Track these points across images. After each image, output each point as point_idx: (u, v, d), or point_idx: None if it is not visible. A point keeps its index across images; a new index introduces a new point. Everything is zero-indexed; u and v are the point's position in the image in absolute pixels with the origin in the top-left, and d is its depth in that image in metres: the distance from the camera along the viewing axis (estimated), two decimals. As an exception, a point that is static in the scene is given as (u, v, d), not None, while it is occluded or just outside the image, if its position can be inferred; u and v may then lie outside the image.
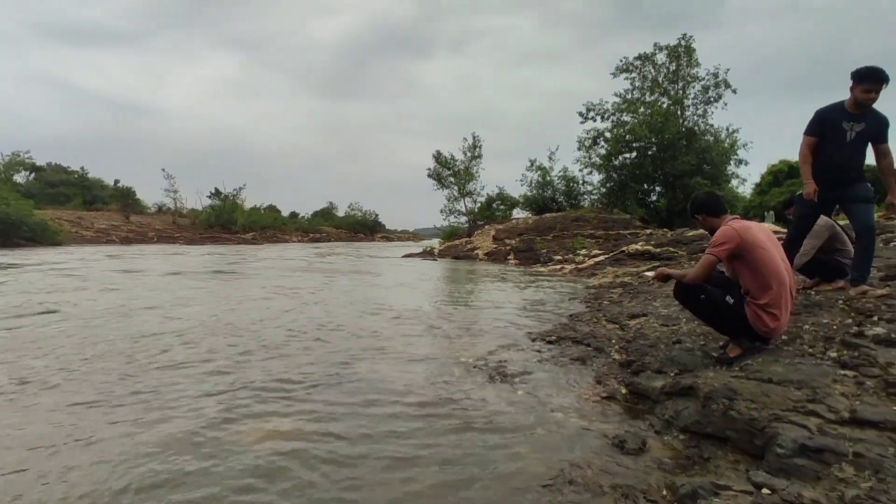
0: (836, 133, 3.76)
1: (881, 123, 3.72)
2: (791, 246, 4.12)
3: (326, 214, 76.76)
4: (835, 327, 3.27)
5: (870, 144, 3.77)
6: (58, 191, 48.69)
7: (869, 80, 3.55)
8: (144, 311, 6.64)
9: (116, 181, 51.83)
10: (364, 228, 72.76)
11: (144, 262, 17.06)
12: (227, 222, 47.83)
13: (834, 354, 2.83)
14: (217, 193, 52.41)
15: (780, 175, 28.96)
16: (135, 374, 3.84)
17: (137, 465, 2.39)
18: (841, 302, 3.79)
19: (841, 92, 3.85)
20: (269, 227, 52.96)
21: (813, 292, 4.41)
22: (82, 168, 53.17)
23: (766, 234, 3.15)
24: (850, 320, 3.35)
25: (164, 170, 52.70)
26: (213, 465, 2.39)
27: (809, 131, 3.90)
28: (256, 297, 8.31)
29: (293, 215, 70.02)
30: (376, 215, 79.70)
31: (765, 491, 1.84)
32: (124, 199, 47.73)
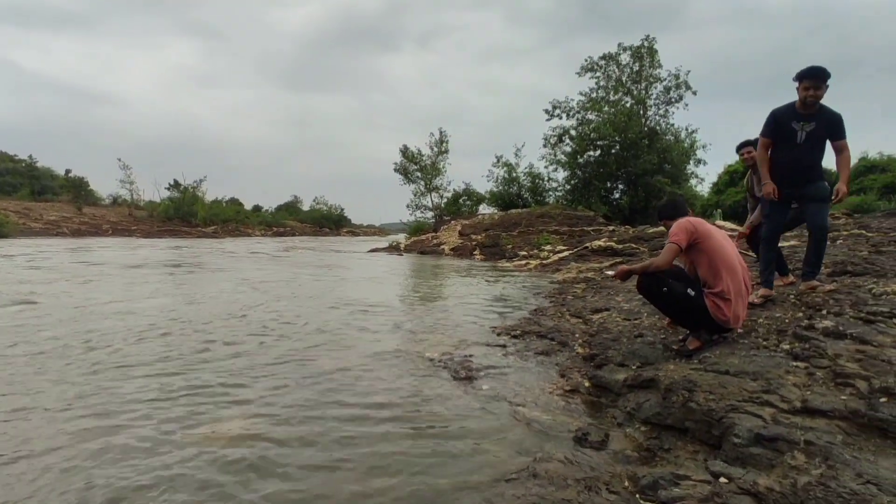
0: (787, 134, 3.81)
1: (832, 121, 3.73)
2: (769, 243, 4.15)
3: (291, 208, 75.43)
4: (787, 321, 3.40)
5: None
6: (3, 180, 46.20)
7: (807, 77, 3.61)
8: (100, 307, 6.35)
9: (68, 171, 49.36)
10: (329, 223, 71.78)
11: (101, 254, 16.35)
12: (186, 215, 46.30)
13: (786, 347, 2.94)
14: (176, 185, 50.49)
15: (735, 175, 29.99)
16: (82, 374, 3.65)
17: (71, 475, 2.23)
18: (792, 297, 3.94)
19: (793, 95, 3.92)
20: (231, 220, 51.56)
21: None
22: (30, 156, 50.18)
23: (717, 230, 3.39)
24: (801, 314, 3.49)
25: (119, 160, 50.73)
26: (157, 476, 2.23)
27: (764, 132, 3.95)
28: (218, 293, 8.07)
29: (256, 209, 68.46)
30: (342, 210, 78.82)
31: (722, 480, 1.89)
32: (76, 189, 45.53)
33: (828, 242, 8.00)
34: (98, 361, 3.93)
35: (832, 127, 3.74)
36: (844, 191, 3.70)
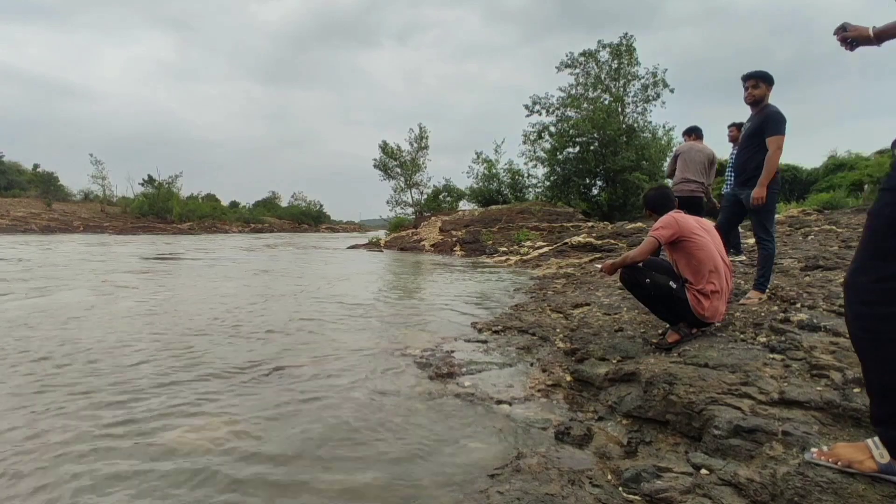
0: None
1: (761, 118, 3.76)
2: (723, 234, 4.25)
3: (269, 204, 74.38)
4: (763, 314, 3.46)
5: None
6: (-33, 175, 44.56)
7: (743, 79, 3.82)
8: (57, 310, 6.16)
9: (36, 166, 48.00)
10: (308, 219, 71.06)
11: (66, 249, 15.89)
12: (161, 211, 45.19)
13: (763, 339, 2.99)
14: (150, 181, 49.25)
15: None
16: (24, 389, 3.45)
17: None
18: (768, 290, 4.01)
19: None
20: (207, 216, 50.54)
21: (742, 282, 4.65)
22: (-4, 150, 48.65)
23: (701, 225, 3.36)
24: (776, 307, 3.56)
25: (91, 155, 49.46)
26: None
27: None
28: (195, 291, 7.91)
29: (234, 205, 67.32)
30: (321, 206, 78.12)
31: (703, 471, 1.91)
32: (45, 185, 44.29)
33: (800, 237, 8.19)
34: (40, 374, 3.67)
35: (760, 124, 3.77)
36: (754, 197, 3.70)
